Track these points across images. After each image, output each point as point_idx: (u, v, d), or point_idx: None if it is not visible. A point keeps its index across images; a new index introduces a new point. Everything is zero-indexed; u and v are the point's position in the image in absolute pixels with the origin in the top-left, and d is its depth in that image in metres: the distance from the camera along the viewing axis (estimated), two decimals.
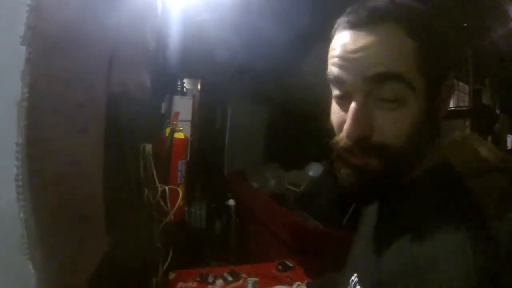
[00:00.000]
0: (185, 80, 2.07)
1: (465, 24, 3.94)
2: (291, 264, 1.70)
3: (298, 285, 1.50)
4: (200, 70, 2.31)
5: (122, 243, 0.88)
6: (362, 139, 0.54)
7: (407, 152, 0.55)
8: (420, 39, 0.53)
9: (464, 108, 3.74)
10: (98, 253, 0.75)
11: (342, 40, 0.56)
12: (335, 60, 0.57)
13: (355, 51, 0.54)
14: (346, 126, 0.55)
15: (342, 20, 0.58)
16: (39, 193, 0.49)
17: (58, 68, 0.57)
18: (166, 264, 1.28)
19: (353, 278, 0.63)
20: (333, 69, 0.57)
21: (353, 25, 0.55)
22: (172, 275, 1.54)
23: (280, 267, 1.67)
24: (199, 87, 2.40)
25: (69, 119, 0.62)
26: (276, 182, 3.27)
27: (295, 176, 3.32)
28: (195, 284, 1.50)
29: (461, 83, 4.46)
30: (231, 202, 2.54)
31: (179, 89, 1.96)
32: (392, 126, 0.54)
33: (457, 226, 0.48)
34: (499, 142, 3.02)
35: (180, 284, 1.49)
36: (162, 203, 1.18)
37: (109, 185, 0.81)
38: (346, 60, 0.55)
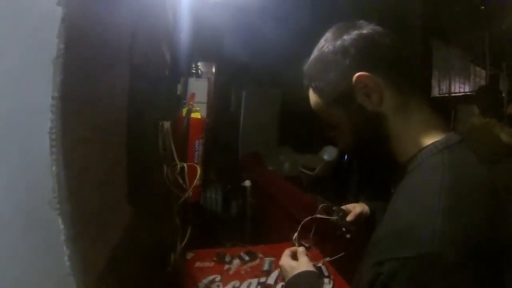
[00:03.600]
0: (199, 63, 2.08)
1: (482, 7, 3.86)
2: (307, 245, 1.69)
3: (314, 265, 1.51)
4: (214, 53, 2.31)
5: (142, 216, 0.89)
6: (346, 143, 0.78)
7: (364, 145, 0.75)
8: (314, 89, 0.76)
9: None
10: (120, 221, 0.76)
11: None
12: None
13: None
14: None
15: None
16: (71, 150, 0.50)
17: (88, 31, 0.59)
18: (185, 241, 1.29)
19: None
20: None
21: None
22: (189, 255, 1.56)
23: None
24: (213, 70, 2.40)
25: (98, 78, 0.64)
26: (290, 165, 3.27)
27: (310, 159, 3.32)
28: (212, 264, 1.51)
29: (478, 68, 4.39)
30: (247, 183, 2.54)
31: (194, 71, 1.97)
32: (345, 136, 0.77)
33: (437, 197, 0.56)
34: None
35: (198, 263, 1.51)
36: (181, 180, 1.18)
37: (131, 155, 0.81)
38: None
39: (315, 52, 0.75)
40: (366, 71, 0.67)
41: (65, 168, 0.48)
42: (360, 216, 1.16)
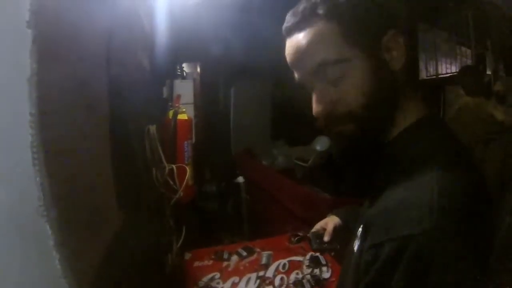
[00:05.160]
0: (184, 64, 2.08)
1: None
2: (301, 234, 1.72)
3: (311, 255, 1.53)
4: (197, 54, 2.31)
5: (134, 219, 0.90)
6: (328, 113, 0.65)
7: (372, 110, 0.63)
8: (340, 20, 0.62)
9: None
10: (112, 226, 0.77)
11: (286, 48, 0.69)
12: (289, 66, 0.70)
13: (294, 54, 0.66)
14: (313, 108, 0.67)
15: (282, 29, 0.69)
16: (53, 161, 0.53)
17: (60, 48, 0.61)
18: (180, 241, 1.30)
19: (359, 229, 0.67)
20: (294, 73, 0.70)
21: (287, 33, 0.67)
22: (187, 255, 1.57)
23: (292, 239, 1.69)
24: (198, 70, 2.40)
25: (75, 94, 0.66)
26: (284, 158, 3.30)
27: (303, 151, 3.35)
28: (210, 262, 1.53)
29: (463, 48, 4.42)
30: (240, 179, 2.56)
31: (179, 73, 1.98)
32: (346, 95, 0.63)
33: (429, 173, 0.55)
34: (504, 104, 3.00)
35: (196, 263, 1.52)
36: (171, 181, 1.20)
37: (118, 161, 0.83)
38: (292, 63, 0.69)
39: None
40: (398, 30, 0.63)
41: (49, 178, 0.51)
42: (335, 230, 1.13)
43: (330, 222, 1.17)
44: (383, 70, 0.63)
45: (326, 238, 1.12)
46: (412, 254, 0.49)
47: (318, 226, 1.21)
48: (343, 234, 1.13)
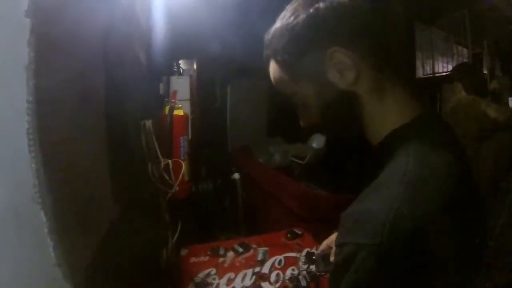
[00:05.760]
0: (180, 61, 2.08)
1: None
2: (299, 232, 1.72)
3: (308, 251, 1.53)
4: (194, 51, 2.31)
5: (129, 212, 0.91)
6: (310, 124, 0.74)
7: (334, 125, 0.71)
8: (278, 62, 0.69)
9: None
10: (106, 217, 0.78)
11: None
12: None
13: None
14: None
15: None
16: (48, 148, 0.54)
17: (58, 39, 0.62)
18: (175, 236, 1.30)
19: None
20: None
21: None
22: (184, 251, 1.57)
23: (289, 235, 1.69)
24: (195, 67, 2.40)
25: (71, 84, 0.67)
26: (281, 156, 3.30)
27: (299, 148, 3.35)
28: (207, 258, 1.53)
29: (460, 48, 4.43)
30: (236, 175, 2.56)
31: (175, 69, 1.98)
32: (312, 115, 0.71)
33: (396, 185, 0.55)
34: (499, 103, 3.03)
35: (193, 259, 1.52)
36: (166, 176, 1.20)
37: (114, 154, 0.83)
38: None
39: (282, 21, 0.66)
40: (341, 46, 0.60)
41: (44, 165, 0.52)
42: None
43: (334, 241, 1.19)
44: (330, 91, 0.65)
45: (332, 258, 1.14)
46: (361, 261, 0.52)
47: (324, 246, 1.25)
48: None
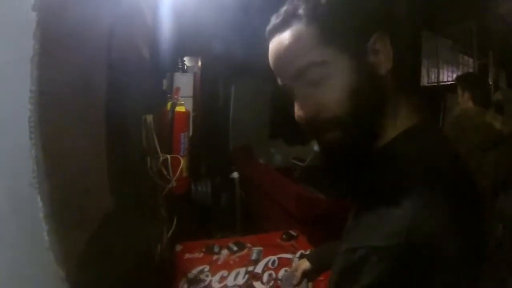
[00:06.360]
0: (185, 58, 2.10)
1: None
2: (295, 234, 1.73)
3: (302, 253, 1.54)
4: (199, 48, 2.33)
5: (125, 205, 0.92)
6: (311, 119, 0.62)
7: (358, 115, 0.60)
8: (319, 23, 0.59)
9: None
10: (102, 208, 0.79)
11: (269, 51, 0.65)
12: (272, 69, 0.66)
13: (275, 57, 0.64)
14: (295, 114, 0.64)
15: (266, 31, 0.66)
16: (48, 136, 0.56)
17: (62, 33, 0.64)
18: (171, 232, 1.32)
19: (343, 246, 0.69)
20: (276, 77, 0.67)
21: (270, 35, 0.64)
22: (178, 247, 1.59)
23: (284, 236, 1.70)
24: (199, 64, 2.42)
25: (74, 77, 0.69)
26: (282, 157, 3.31)
27: (300, 150, 3.37)
28: (201, 255, 1.54)
29: (466, 57, 4.43)
30: (235, 174, 2.58)
31: (180, 66, 1.99)
32: (330, 99, 0.60)
33: (412, 192, 0.53)
34: (503, 114, 3.02)
35: (187, 255, 1.53)
36: (164, 171, 1.21)
37: (113, 147, 0.84)
38: (274, 68, 0.65)
39: None
40: (387, 35, 0.59)
41: (43, 151, 0.54)
42: (304, 275, 1.21)
43: (300, 266, 1.24)
44: (368, 74, 0.60)
45: (294, 282, 1.21)
46: (374, 264, 0.51)
47: (291, 269, 1.31)
48: (312, 277, 1.23)
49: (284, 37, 0.61)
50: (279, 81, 0.66)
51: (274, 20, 0.63)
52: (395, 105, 0.63)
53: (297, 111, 0.64)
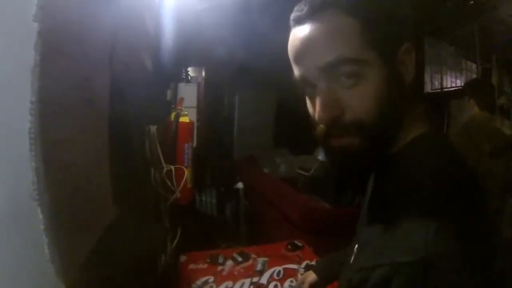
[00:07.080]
0: (189, 68, 2.12)
1: (472, 2, 3.89)
2: (300, 244, 1.71)
3: (307, 263, 1.53)
4: (202, 58, 2.34)
5: (129, 216, 0.91)
6: (334, 120, 0.57)
7: (382, 122, 0.57)
8: (362, 17, 0.55)
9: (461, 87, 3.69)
10: (104, 220, 0.79)
11: (293, 38, 0.60)
12: (293, 58, 0.61)
13: (305, 45, 0.58)
14: (316, 112, 0.58)
15: (291, 18, 0.61)
16: (49, 148, 0.56)
17: (64, 43, 0.64)
18: (175, 243, 1.31)
19: (355, 247, 0.67)
20: (294, 67, 0.62)
21: (298, 22, 0.59)
22: (183, 258, 1.57)
23: (289, 246, 1.68)
24: (203, 74, 2.43)
25: (76, 88, 0.69)
26: (286, 167, 3.30)
27: (305, 160, 3.35)
28: (205, 266, 1.53)
29: (469, 63, 4.42)
30: (240, 185, 2.57)
31: (183, 76, 2.00)
32: (358, 101, 0.56)
33: (428, 204, 0.51)
34: (508, 118, 3.00)
35: (191, 265, 1.52)
36: (168, 182, 1.21)
37: (116, 158, 0.84)
38: (297, 57, 0.60)
39: None
40: (414, 45, 0.59)
41: (44, 163, 0.53)
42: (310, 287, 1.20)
43: (307, 278, 1.21)
44: (397, 81, 0.58)
45: None
46: (400, 282, 0.47)
47: (298, 282, 1.27)
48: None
49: (318, 26, 0.56)
50: (297, 73, 0.61)
51: (304, 6, 0.58)
52: (409, 113, 0.62)
53: (321, 110, 0.57)
